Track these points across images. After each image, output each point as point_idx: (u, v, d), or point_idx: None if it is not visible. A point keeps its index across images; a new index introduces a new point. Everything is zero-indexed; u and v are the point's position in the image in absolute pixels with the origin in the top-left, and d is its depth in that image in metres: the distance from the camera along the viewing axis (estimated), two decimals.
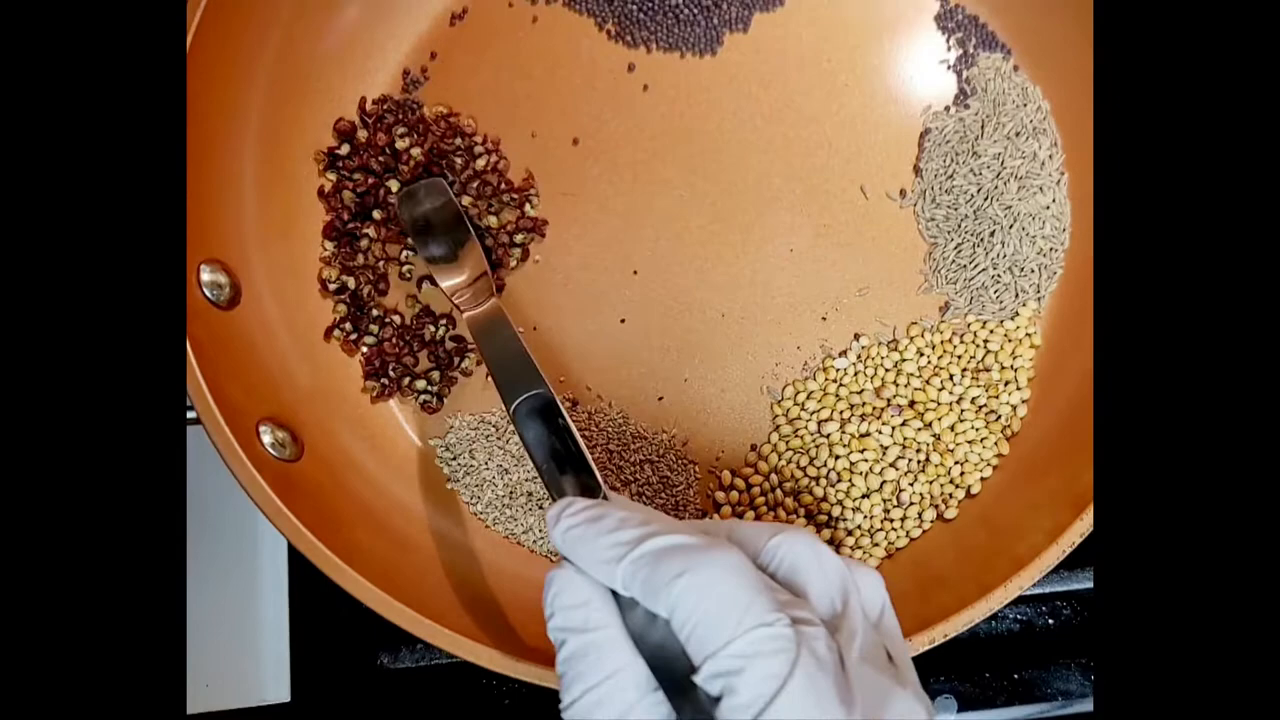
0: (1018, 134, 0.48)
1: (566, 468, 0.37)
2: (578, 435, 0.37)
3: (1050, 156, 0.48)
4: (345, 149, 0.46)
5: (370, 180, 0.46)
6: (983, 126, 0.48)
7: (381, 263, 0.47)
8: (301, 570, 0.41)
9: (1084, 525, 0.40)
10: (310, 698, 0.47)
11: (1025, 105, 0.48)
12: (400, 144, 0.46)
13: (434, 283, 0.45)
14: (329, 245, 0.46)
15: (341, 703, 0.47)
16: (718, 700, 0.27)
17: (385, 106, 0.47)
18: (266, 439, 0.40)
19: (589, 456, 0.36)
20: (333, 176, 0.46)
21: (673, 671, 0.29)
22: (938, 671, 0.50)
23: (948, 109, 0.49)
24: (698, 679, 0.28)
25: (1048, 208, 0.48)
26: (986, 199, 0.47)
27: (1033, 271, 0.47)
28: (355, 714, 0.47)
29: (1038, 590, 0.46)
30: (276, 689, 0.47)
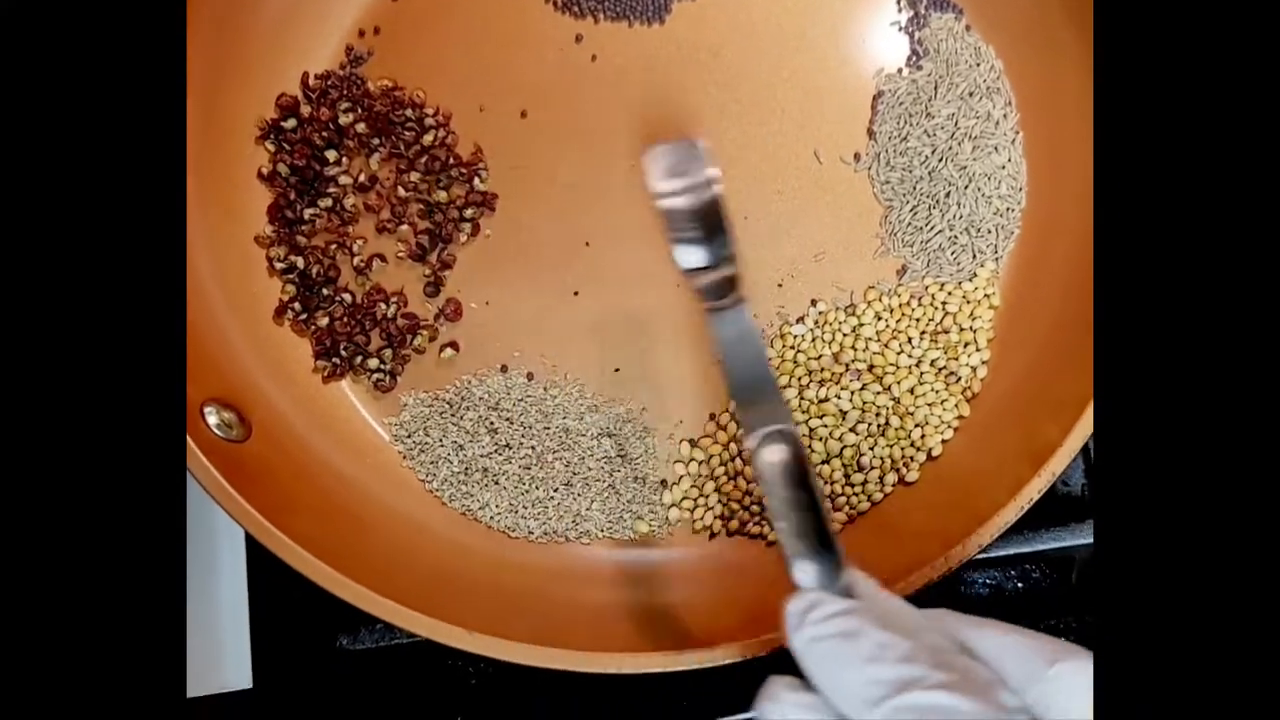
0: (971, 94, 0.48)
1: (803, 515, 0.32)
2: (816, 481, 0.33)
3: (1005, 116, 0.48)
4: (291, 123, 0.45)
5: (308, 153, 0.45)
6: (935, 88, 0.48)
7: (333, 245, 0.46)
8: (260, 555, 0.41)
9: (1042, 482, 0.40)
10: (272, 683, 0.47)
11: (978, 65, 0.48)
12: (344, 119, 0.45)
13: (685, 269, 0.39)
14: (272, 227, 0.46)
15: (304, 687, 0.46)
16: None
17: (329, 82, 0.46)
18: (212, 420, 0.40)
19: (828, 516, 0.32)
20: (271, 147, 0.45)
21: None
22: None
23: (900, 71, 0.48)
24: None
25: (1003, 167, 0.47)
26: (941, 160, 0.47)
27: (990, 232, 0.47)
28: (318, 697, 0.46)
29: (1005, 552, 0.45)
30: (238, 675, 0.47)
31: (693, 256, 0.39)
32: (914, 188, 0.47)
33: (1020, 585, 0.51)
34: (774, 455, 0.33)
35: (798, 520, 0.32)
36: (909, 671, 0.27)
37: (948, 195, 0.47)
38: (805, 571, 0.32)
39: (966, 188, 0.47)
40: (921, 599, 0.38)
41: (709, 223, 0.39)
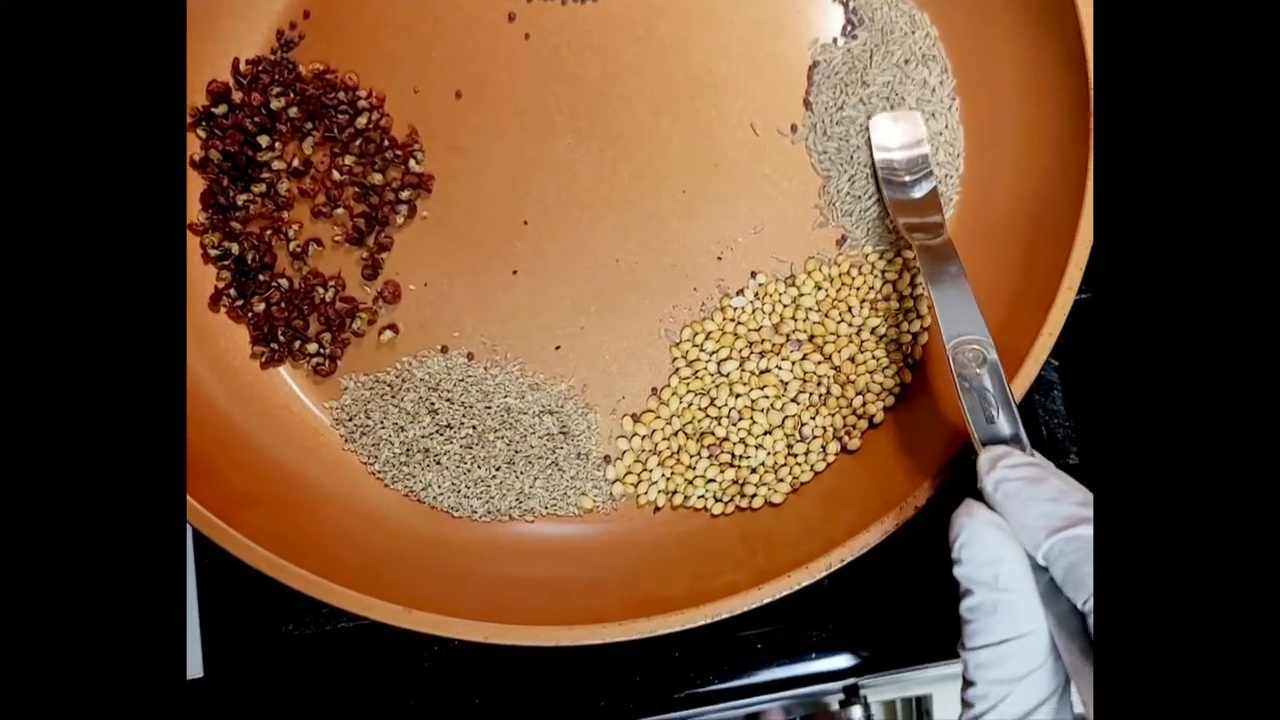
0: (907, 61, 0.47)
1: (997, 415, 0.36)
2: (1011, 391, 0.37)
3: (941, 83, 0.48)
4: (222, 109, 0.45)
5: (240, 139, 0.45)
6: (871, 56, 0.48)
7: (268, 230, 0.46)
8: (206, 544, 0.41)
9: None
10: (223, 672, 0.46)
11: (914, 32, 0.48)
12: (275, 104, 0.45)
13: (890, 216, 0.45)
14: (205, 214, 0.45)
15: (255, 674, 0.46)
16: None
17: (260, 67, 0.46)
18: None
19: (1017, 413, 0.36)
20: (202, 133, 0.45)
21: (1071, 647, 0.31)
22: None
23: (835, 41, 0.48)
24: None
25: (940, 134, 0.47)
26: None
27: None
28: (270, 684, 0.46)
29: None
30: (189, 665, 0.47)
31: (906, 194, 0.45)
32: (851, 157, 0.47)
33: None
34: (968, 359, 0.38)
35: (986, 402, 0.37)
36: (1085, 512, 0.31)
37: None
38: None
39: None
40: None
41: (920, 172, 0.46)
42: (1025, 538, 0.32)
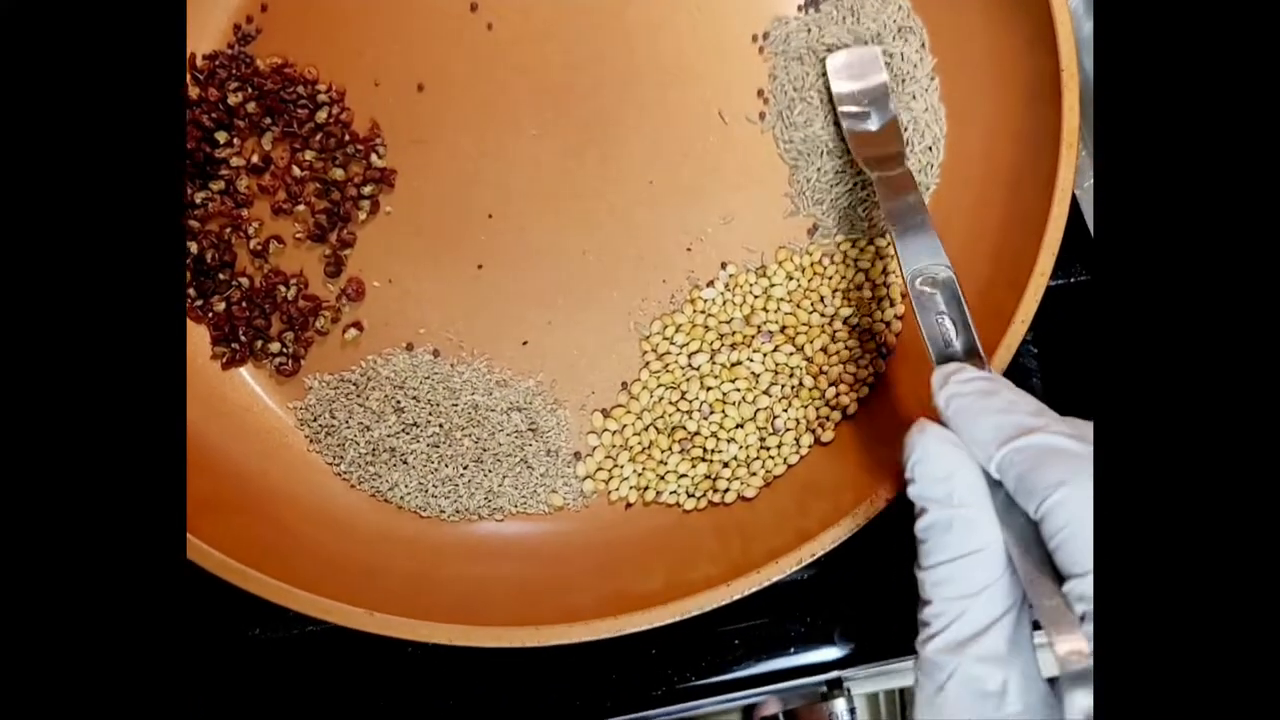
0: (879, 36, 0.46)
1: (954, 340, 0.36)
2: (970, 315, 0.37)
3: (921, 59, 0.46)
4: None
5: (198, 135, 0.44)
6: (834, 29, 0.46)
7: (227, 228, 0.45)
8: None
9: None
10: (190, 678, 0.46)
11: (885, 6, 0.46)
12: (233, 99, 0.44)
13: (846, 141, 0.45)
14: None
15: (222, 680, 0.45)
16: (1081, 618, 0.28)
17: (217, 62, 0.45)
18: None
19: (977, 336, 0.36)
20: None
21: (1026, 560, 0.30)
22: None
23: (799, 17, 0.47)
24: (1065, 589, 0.29)
25: (920, 116, 0.46)
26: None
27: None
28: (238, 689, 0.45)
29: None
30: None
31: (863, 125, 0.45)
32: (819, 144, 0.46)
33: None
34: (927, 285, 0.38)
35: (944, 327, 0.37)
36: (1036, 421, 0.31)
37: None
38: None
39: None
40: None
41: (878, 101, 0.45)
42: (978, 451, 0.32)
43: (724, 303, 0.46)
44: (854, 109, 0.45)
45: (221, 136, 0.45)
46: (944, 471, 0.32)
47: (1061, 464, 0.30)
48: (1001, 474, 0.32)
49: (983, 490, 0.32)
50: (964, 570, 0.31)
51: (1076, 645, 0.28)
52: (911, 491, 0.33)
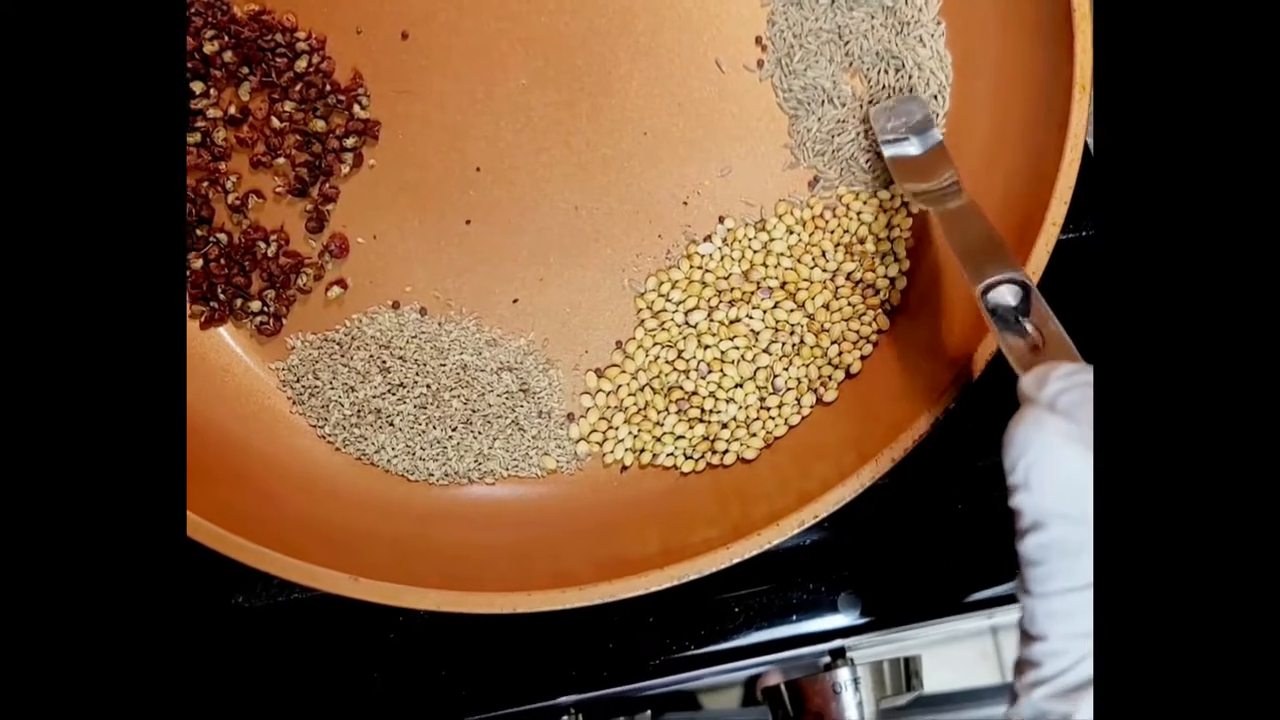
0: None
1: (1039, 345, 0.32)
2: (1053, 319, 0.33)
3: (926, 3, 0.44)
4: None
5: None
6: None
7: (204, 183, 0.43)
8: None
9: (957, 389, 0.38)
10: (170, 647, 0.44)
11: None
12: (209, 48, 0.42)
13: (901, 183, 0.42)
14: None
15: (204, 649, 0.44)
16: None
17: (192, 10, 0.43)
18: None
19: (1069, 340, 0.32)
20: None
21: None
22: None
23: None
24: None
25: (926, 63, 0.44)
26: (855, 55, 0.44)
27: None
28: (221, 660, 0.44)
29: None
30: None
31: (904, 149, 0.42)
32: (822, 92, 0.44)
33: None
34: (1003, 298, 0.34)
35: (1025, 335, 0.33)
36: None
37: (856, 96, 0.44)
38: None
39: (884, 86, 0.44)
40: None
41: (921, 126, 0.43)
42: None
43: (722, 258, 0.44)
44: (892, 136, 0.42)
45: (197, 87, 0.43)
46: (1070, 478, 0.26)
47: None
48: None
49: None
50: (1088, 604, 0.26)
51: None
52: (1022, 501, 0.27)
